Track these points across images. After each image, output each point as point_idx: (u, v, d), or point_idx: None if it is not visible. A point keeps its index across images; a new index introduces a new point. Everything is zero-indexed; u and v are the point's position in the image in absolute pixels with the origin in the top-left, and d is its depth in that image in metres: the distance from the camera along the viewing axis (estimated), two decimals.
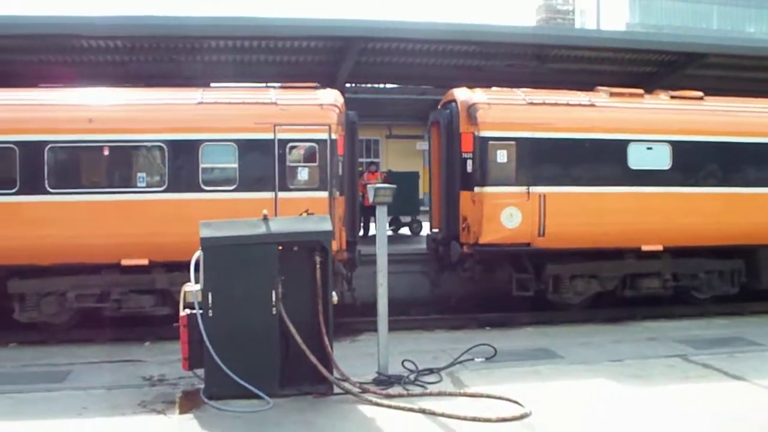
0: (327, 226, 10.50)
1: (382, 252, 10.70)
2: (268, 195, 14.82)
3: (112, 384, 11.10)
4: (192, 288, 10.15)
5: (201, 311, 9.91)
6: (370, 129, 26.41)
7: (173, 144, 14.78)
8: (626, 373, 11.49)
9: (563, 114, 16.43)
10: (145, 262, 14.64)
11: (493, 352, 12.58)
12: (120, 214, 14.54)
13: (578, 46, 20.44)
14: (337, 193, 15.20)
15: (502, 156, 16.00)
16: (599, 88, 17.68)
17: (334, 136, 15.12)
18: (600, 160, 16.49)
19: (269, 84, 19.42)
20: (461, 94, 16.70)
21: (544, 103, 16.47)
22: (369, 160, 28.45)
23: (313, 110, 15.24)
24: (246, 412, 9.46)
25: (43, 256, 14.30)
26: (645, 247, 16.74)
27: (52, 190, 14.38)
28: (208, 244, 10.03)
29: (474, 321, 16.33)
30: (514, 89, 17.14)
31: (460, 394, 10.26)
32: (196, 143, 14.81)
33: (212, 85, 18.10)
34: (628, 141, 16.54)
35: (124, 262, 14.58)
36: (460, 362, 12.02)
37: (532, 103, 16.42)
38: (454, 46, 19.72)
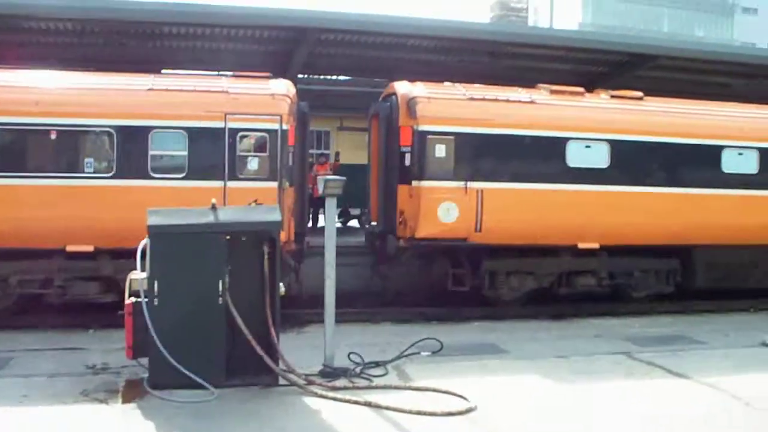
0: (276, 216, 10.45)
1: (330, 244, 10.68)
2: (217, 184, 14.71)
3: (54, 372, 10.94)
4: (138, 276, 10.04)
5: (147, 300, 9.82)
6: (322, 120, 26.27)
7: (122, 130, 14.61)
8: (571, 368, 11.62)
9: (503, 110, 16.48)
10: (90, 248, 14.45)
11: (440, 346, 12.64)
12: (66, 199, 14.34)
13: (530, 44, 20.50)
14: (287, 183, 15.15)
15: (440, 150, 16.01)
16: (540, 85, 17.79)
17: (285, 127, 15.06)
18: (538, 157, 16.56)
19: (221, 72, 19.26)
20: (401, 87, 16.68)
21: (484, 99, 16.49)
22: (319, 151, 28.32)
23: (264, 100, 15.17)
24: (190, 402, 9.38)
25: None
26: (581, 245, 16.84)
27: None
28: (155, 232, 9.92)
29: (421, 315, 16.36)
30: (456, 84, 17.16)
31: (406, 388, 10.28)
32: (146, 130, 14.66)
33: (163, 71, 17.87)
34: (567, 139, 16.65)
35: (69, 248, 14.38)
36: (407, 356, 12.05)
37: (472, 99, 16.43)
38: (408, 40, 19.69)
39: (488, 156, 16.25)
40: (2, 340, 13.26)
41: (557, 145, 16.56)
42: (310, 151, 20.87)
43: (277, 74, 16.89)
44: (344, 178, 10.81)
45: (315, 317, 13.89)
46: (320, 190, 10.73)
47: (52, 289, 14.71)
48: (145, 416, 8.97)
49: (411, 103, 16.13)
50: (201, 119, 14.79)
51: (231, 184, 14.76)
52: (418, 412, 9.16)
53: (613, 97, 17.83)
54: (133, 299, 9.99)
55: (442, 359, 12.15)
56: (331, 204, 10.71)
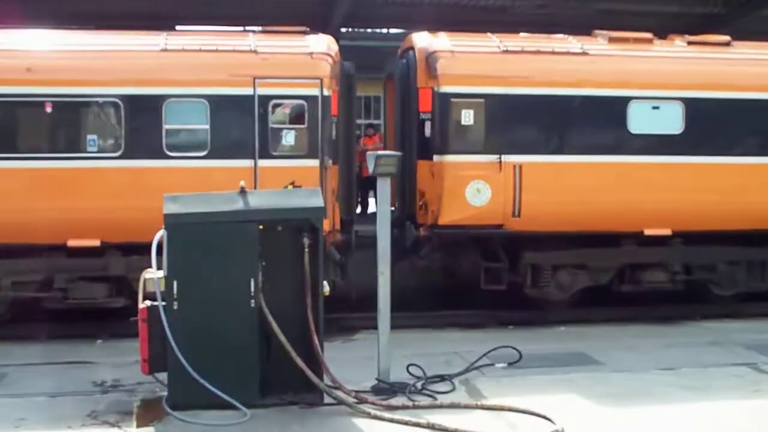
0: (318, 201, 10.51)
1: (384, 233, 10.75)
2: (246, 163, 14.87)
3: (56, 390, 11.13)
4: (154, 275, 10.17)
5: (164, 303, 9.94)
6: (370, 84, 26.29)
7: (131, 100, 14.78)
8: (680, 384, 11.52)
9: (546, 64, 16.32)
10: (96, 243, 14.66)
11: (518, 356, 12.63)
12: (66, 185, 14.54)
13: None
14: (330, 161, 15.24)
15: (468, 117, 15.88)
16: (597, 32, 17.53)
17: (326, 92, 15.14)
18: (592, 123, 16.34)
19: (248, 28, 19.36)
20: (420, 40, 16.55)
21: (522, 51, 16.35)
22: (368, 121, 28.34)
23: (301, 60, 15.27)
24: (218, 425, 9.49)
25: None
26: (648, 231, 16.56)
27: None
28: (173, 222, 10.04)
29: (494, 319, 16.39)
30: (490, 34, 16.93)
31: (478, 407, 10.29)
32: (159, 99, 14.82)
33: (178, 28, 18.01)
34: (629, 98, 16.37)
35: (71, 243, 14.61)
36: (478, 368, 12.07)
37: (507, 51, 16.28)
38: None
39: (528, 123, 16.10)
40: None
41: (616, 107, 16.31)
42: (357, 121, 20.90)
43: (315, 28, 16.91)
44: (399, 153, 10.85)
45: (365, 323, 14.01)
46: (370, 168, 10.77)
47: (51, 292, 14.90)
48: None
49: (431, 58, 16.00)
50: (225, 85, 14.94)
51: (263, 162, 14.89)
52: None
53: (690, 44, 17.52)
54: (148, 303, 10.13)
55: (521, 372, 12.14)
56: (383, 184, 10.75)
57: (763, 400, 10.84)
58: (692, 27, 19.00)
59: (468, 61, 16.07)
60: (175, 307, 9.95)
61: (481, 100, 15.88)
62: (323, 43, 15.68)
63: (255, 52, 15.23)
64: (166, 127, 14.83)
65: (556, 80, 16.17)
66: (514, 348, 12.78)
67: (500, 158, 15.81)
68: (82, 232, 14.54)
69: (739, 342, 14.45)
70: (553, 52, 16.47)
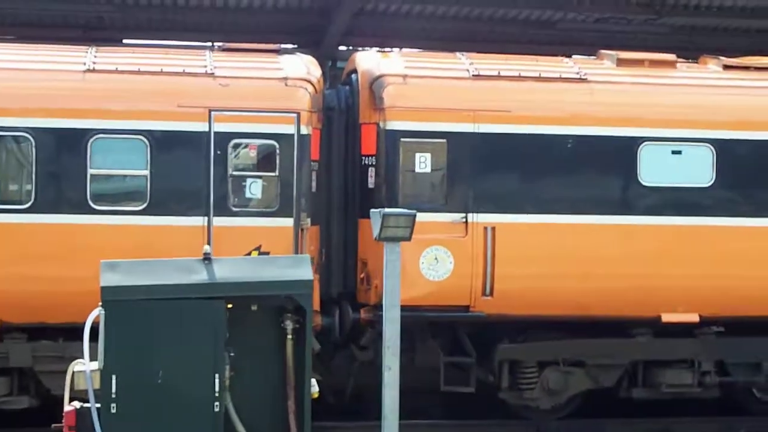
0: (305, 272, 10.55)
1: (391, 316, 10.97)
2: (197, 221, 14.98)
3: None
4: (84, 368, 10.23)
5: (99, 405, 10.02)
6: None
7: (46, 134, 14.93)
8: None
9: (529, 94, 16.32)
10: None
11: None
12: None
13: None
14: (308, 220, 15.38)
15: (423, 162, 15.87)
16: (603, 52, 17.68)
17: (304, 130, 15.34)
18: (591, 171, 16.30)
19: (204, 43, 19.54)
20: (364, 60, 16.65)
21: (499, 77, 16.33)
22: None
23: (272, 87, 15.50)
24: None
25: None
26: (667, 318, 16.40)
27: None
28: (113, 298, 10.11)
29: (533, 428, 16.55)
30: (459, 54, 17.09)
31: None
32: (83, 135, 14.98)
33: (126, 42, 18.19)
34: (641, 139, 16.30)
35: None
36: None
37: (478, 76, 16.31)
38: None
39: (505, 171, 16.07)
40: None
41: (623, 151, 16.28)
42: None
43: (308, 46, 17.06)
44: (414, 212, 10.97)
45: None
46: (375, 231, 10.93)
47: None
48: None
49: (376, 85, 15.98)
50: (171, 118, 15.12)
51: (219, 221, 15.03)
52: None
53: (727, 68, 17.49)
54: (77, 405, 10.18)
55: None
56: (392, 253, 10.95)
57: None
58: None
59: (424, 89, 16.13)
60: (113, 410, 9.95)
61: (443, 140, 15.87)
62: (301, 67, 15.89)
63: (212, 75, 15.42)
64: (91, 171, 14.94)
65: (543, 115, 16.20)
66: None
67: (467, 217, 15.83)
68: None
69: None
70: (539, 78, 16.43)
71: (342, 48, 20.90)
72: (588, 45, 20.00)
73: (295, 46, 16.54)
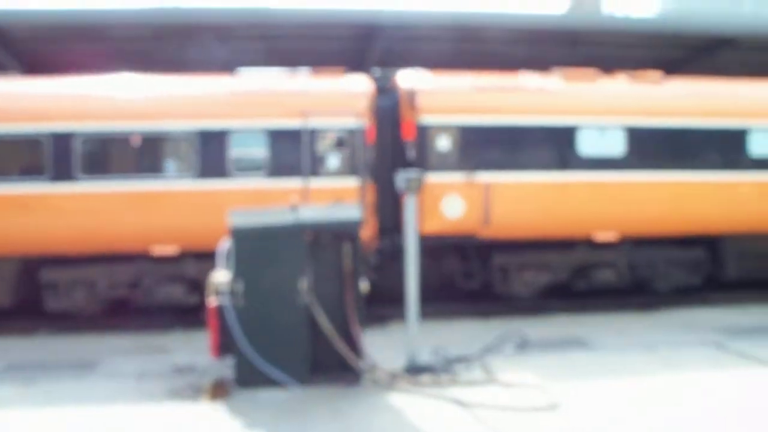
0: (355, 214, 10.51)
1: (411, 237, 10.69)
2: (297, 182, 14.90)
3: (141, 372, 11.23)
4: (221, 277, 10.24)
5: (230, 300, 10.01)
6: None
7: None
8: (658, 361, 11.47)
9: (510, 99, 16.00)
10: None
11: (525, 341, 12.57)
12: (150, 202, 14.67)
13: (608, 31, 20.02)
14: (368, 180, 15.23)
15: (443, 143, 15.61)
16: (555, 69, 17.26)
17: (364, 125, 15.15)
18: (546, 146, 15.99)
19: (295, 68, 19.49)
20: (404, 79, 16.28)
21: (491, 88, 16.05)
22: None
23: (343, 97, 15.32)
24: (275, 400, 9.56)
25: None
26: (597, 236, 16.26)
27: None
28: (239, 233, 10.10)
29: (507, 308, 16.27)
30: (465, 75, 16.69)
31: (492, 383, 10.27)
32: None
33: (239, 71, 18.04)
34: (577, 127, 16.02)
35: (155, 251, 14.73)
36: (492, 351, 12.00)
37: (478, 88, 16.01)
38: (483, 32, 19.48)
39: (495, 147, 15.79)
40: (91, 342, 13.72)
41: (568, 134, 16.00)
42: None
43: (353, 69, 16.86)
44: (421, 174, 10.80)
45: (399, 312, 13.98)
46: (400, 186, 10.76)
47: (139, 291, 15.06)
48: (233, 413, 9.16)
49: (413, 95, 15.74)
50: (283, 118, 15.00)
51: (312, 182, 14.91)
52: (505, 408, 9.16)
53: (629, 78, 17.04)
54: (216, 300, 10.18)
55: (528, 354, 12.10)
56: (411, 200, 10.68)
57: (726, 373, 10.87)
58: (663, 68, 18.67)
59: (444, 97, 15.88)
60: (239, 303, 10.00)
61: (456, 128, 15.66)
62: (360, 83, 15.70)
63: (304, 92, 15.36)
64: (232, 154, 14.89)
65: (518, 111, 15.92)
66: (522, 333, 12.78)
67: (472, 177, 15.56)
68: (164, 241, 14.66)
69: (707, 326, 14.37)
70: (516, 89, 16.20)
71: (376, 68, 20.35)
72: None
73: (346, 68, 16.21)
